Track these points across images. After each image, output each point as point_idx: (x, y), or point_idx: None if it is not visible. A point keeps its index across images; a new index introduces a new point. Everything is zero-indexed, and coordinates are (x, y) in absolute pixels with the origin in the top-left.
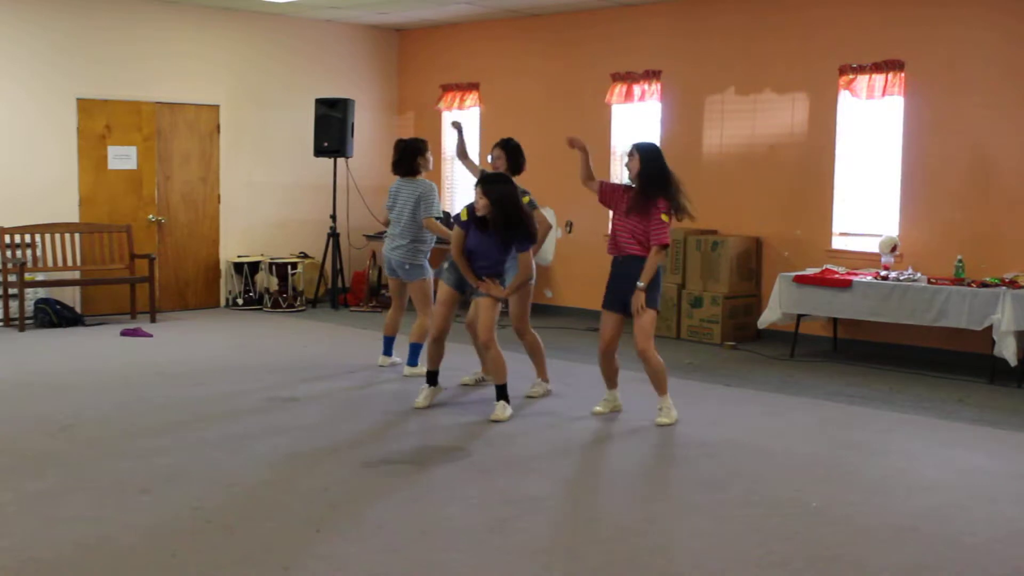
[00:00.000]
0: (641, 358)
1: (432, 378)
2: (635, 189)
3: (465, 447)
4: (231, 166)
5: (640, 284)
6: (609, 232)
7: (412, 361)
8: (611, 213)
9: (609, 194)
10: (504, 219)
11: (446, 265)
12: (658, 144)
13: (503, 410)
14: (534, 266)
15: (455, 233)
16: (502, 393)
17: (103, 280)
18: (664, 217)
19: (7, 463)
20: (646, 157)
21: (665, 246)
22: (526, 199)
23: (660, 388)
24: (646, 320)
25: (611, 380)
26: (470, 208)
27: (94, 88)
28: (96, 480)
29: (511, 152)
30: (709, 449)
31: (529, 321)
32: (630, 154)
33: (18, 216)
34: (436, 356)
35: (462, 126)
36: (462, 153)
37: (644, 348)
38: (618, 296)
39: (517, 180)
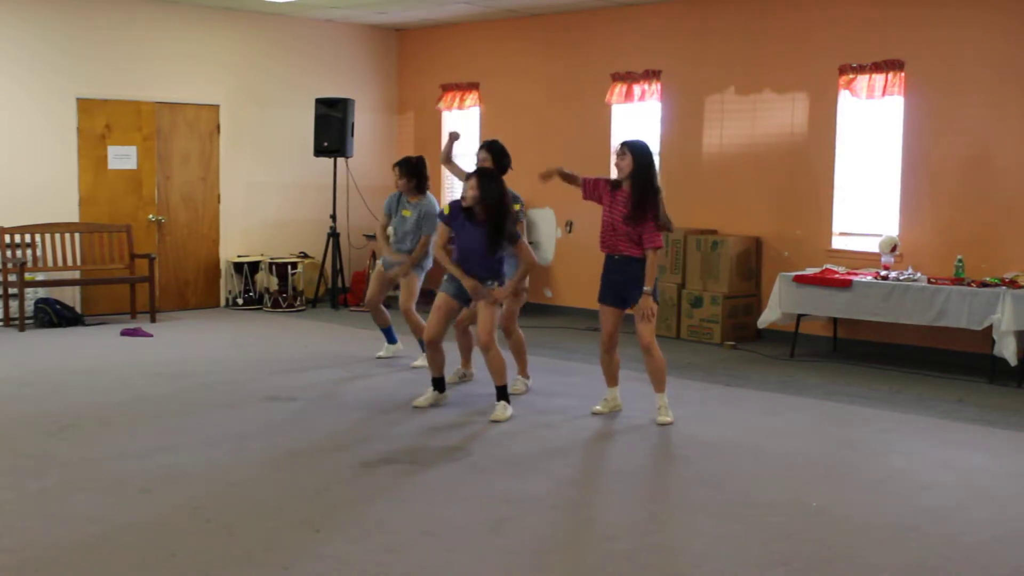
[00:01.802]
0: (645, 353)
1: (438, 385)
2: (630, 192)
3: (465, 447)
4: (231, 166)
5: (647, 289)
6: (601, 229)
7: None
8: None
9: (592, 189)
10: (493, 217)
11: (446, 276)
12: (651, 144)
13: (503, 410)
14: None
15: (439, 228)
16: (502, 394)
17: (103, 280)
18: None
19: (7, 463)
20: (640, 157)
21: (658, 248)
22: (516, 206)
23: (660, 385)
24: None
25: (612, 377)
26: (454, 204)
27: (94, 88)
28: (96, 480)
29: (496, 154)
30: (709, 449)
31: (517, 320)
32: (621, 153)
33: (18, 216)
34: (438, 363)
35: (458, 137)
36: (447, 159)
37: (650, 343)
38: (615, 291)
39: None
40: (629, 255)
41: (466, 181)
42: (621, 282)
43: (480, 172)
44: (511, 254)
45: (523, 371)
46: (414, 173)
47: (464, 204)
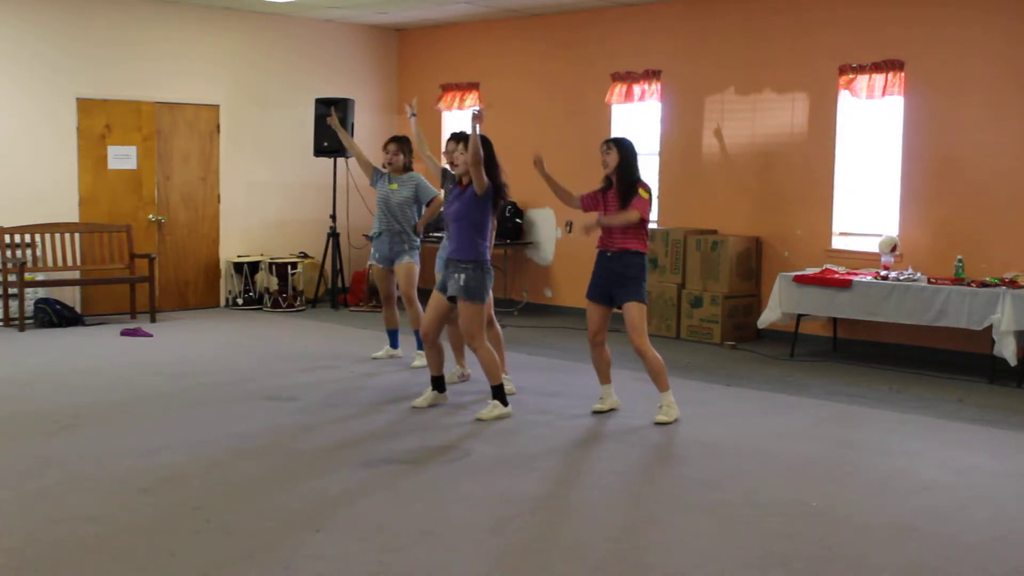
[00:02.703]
0: (638, 355)
1: (437, 384)
2: (616, 184)
3: (465, 447)
4: (231, 166)
5: (603, 219)
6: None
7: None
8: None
9: (590, 202)
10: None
11: (438, 268)
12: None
13: (492, 409)
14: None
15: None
16: (497, 393)
17: (103, 280)
18: (644, 193)
19: (7, 462)
20: (624, 152)
21: (641, 220)
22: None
23: (660, 384)
24: (636, 315)
25: (603, 374)
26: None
27: (94, 88)
28: (96, 480)
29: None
30: (709, 449)
31: (492, 312)
32: (607, 149)
33: (18, 216)
34: (435, 360)
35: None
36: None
37: (639, 344)
38: (602, 287)
39: None
40: (623, 248)
41: (446, 151)
42: (609, 278)
43: (456, 135)
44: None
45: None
46: (410, 150)
47: (456, 171)
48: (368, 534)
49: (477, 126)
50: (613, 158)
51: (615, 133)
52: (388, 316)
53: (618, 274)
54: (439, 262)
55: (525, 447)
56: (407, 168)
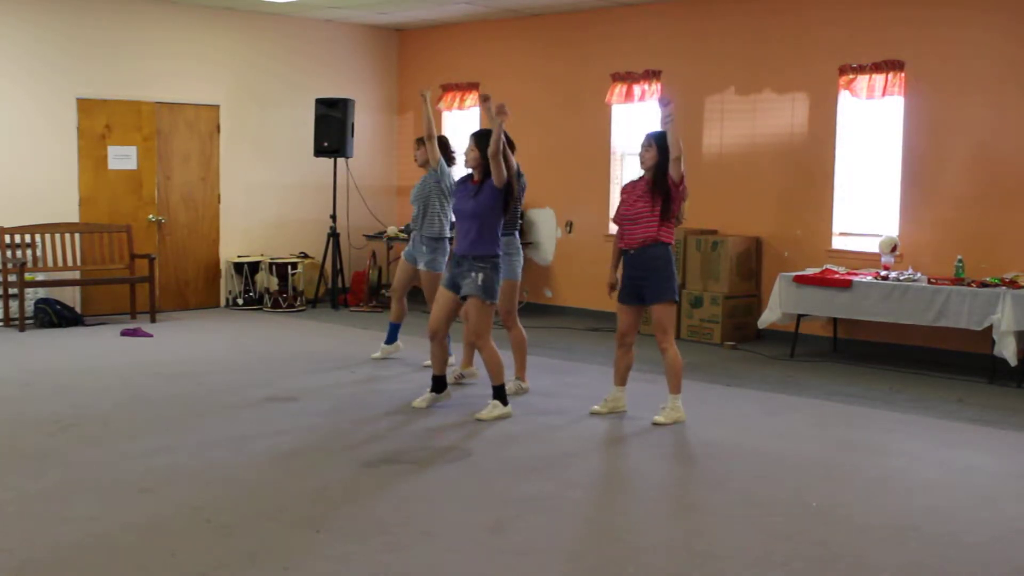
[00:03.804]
0: (661, 352)
1: (437, 384)
2: (649, 184)
3: (465, 447)
4: (231, 166)
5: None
6: (618, 229)
7: None
8: (614, 208)
9: (623, 211)
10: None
11: (445, 266)
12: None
13: (492, 409)
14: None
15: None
16: (498, 393)
17: (103, 280)
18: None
19: (7, 463)
20: (664, 149)
21: (681, 178)
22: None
23: (673, 386)
24: (663, 316)
25: (619, 376)
26: (460, 179)
27: (94, 88)
28: (96, 480)
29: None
30: (709, 449)
31: (517, 316)
32: (647, 145)
33: (18, 216)
34: (440, 359)
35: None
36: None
37: (663, 343)
38: (631, 287)
39: None
40: (644, 242)
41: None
42: (639, 276)
43: (475, 133)
44: (508, 248)
45: (519, 372)
46: (422, 145)
47: (467, 166)
48: (368, 534)
49: (502, 121)
50: (651, 156)
51: (616, 133)
52: (395, 309)
53: (644, 269)
54: None
55: (525, 448)
56: (424, 164)
